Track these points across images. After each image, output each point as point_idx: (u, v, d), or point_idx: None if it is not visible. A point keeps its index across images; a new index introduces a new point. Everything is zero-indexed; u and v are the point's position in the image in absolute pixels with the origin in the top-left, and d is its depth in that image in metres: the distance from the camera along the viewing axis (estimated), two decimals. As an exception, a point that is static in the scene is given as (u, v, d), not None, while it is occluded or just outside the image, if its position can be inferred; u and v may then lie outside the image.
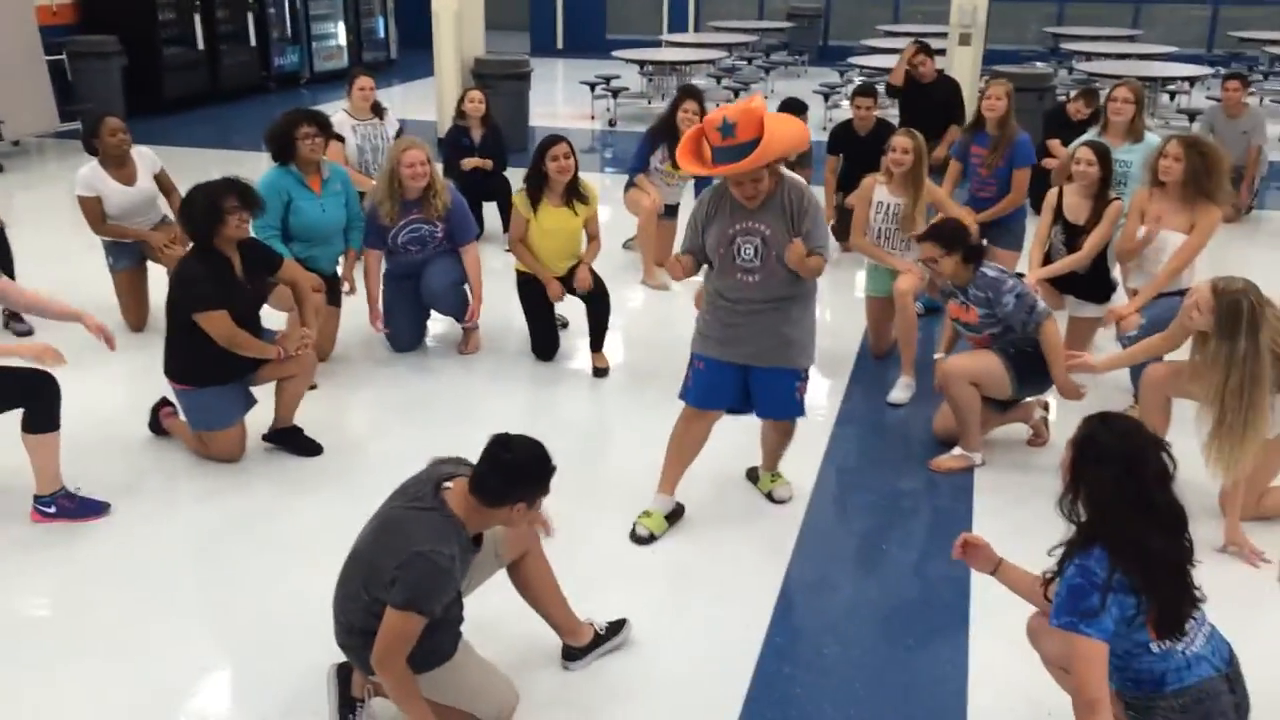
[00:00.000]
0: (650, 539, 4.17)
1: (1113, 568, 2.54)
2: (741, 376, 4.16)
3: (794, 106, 7.15)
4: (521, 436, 2.93)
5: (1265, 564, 4.04)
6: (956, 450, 4.76)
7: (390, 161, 5.47)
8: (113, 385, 5.35)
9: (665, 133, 6.84)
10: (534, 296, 5.77)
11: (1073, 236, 5.50)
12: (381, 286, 5.78)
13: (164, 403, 4.86)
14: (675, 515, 4.28)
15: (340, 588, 2.98)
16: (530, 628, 3.43)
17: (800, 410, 4.28)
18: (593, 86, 13.24)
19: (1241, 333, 3.79)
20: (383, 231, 5.54)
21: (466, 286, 5.79)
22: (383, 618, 2.78)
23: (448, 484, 2.92)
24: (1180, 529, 2.62)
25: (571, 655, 3.44)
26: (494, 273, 6.31)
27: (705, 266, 4.14)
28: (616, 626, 3.54)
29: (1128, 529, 2.55)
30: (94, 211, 5.80)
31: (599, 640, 3.47)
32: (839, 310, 6.75)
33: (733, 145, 3.68)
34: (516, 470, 2.86)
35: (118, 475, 4.55)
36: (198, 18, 13.06)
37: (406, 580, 2.74)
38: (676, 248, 4.59)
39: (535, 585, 3.36)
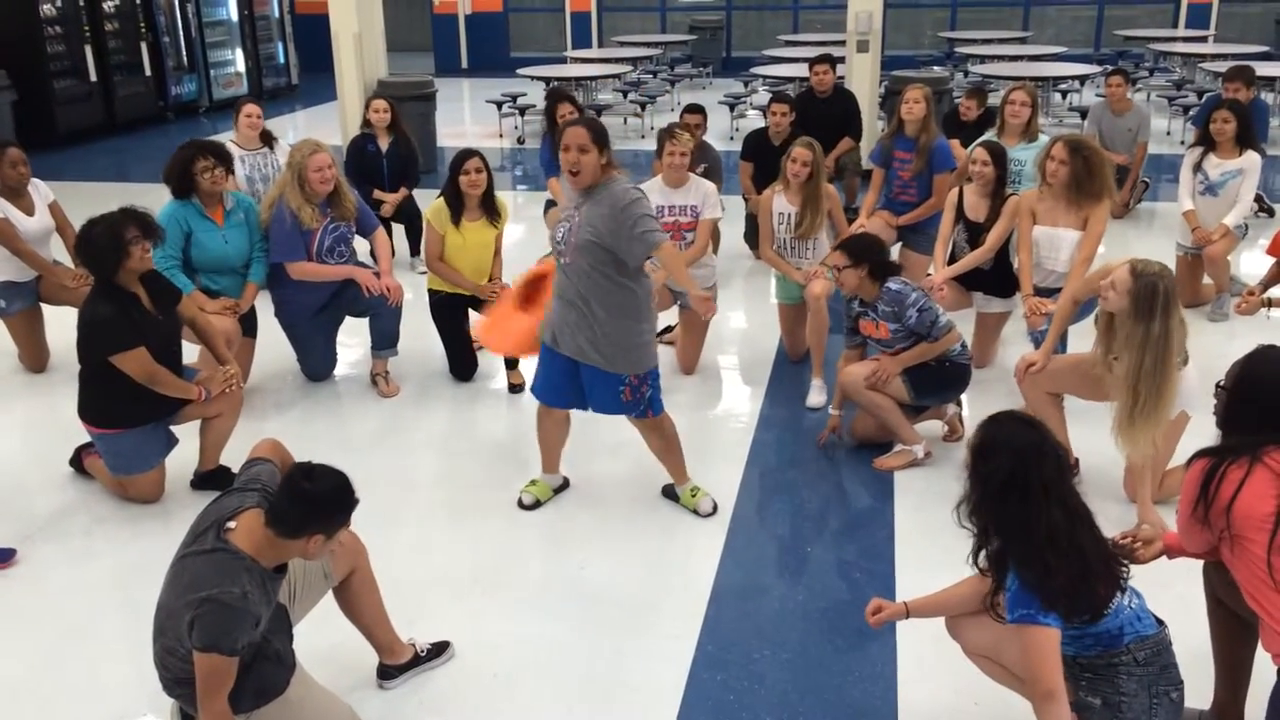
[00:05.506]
0: (536, 505, 4.46)
1: None
2: (573, 370, 4.19)
3: (694, 110, 7.36)
4: (325, 466, 2.84)
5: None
6: (897, 447, 4.85)
7: (295, 167, 5.33)
8: (14, 430, 5.17)
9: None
10: (449, 317, 5.73)
11: (974, 234, 5.65)
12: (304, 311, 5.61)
13: (87, 444, 4.70)
14: (562, 488, 4.59)
15: (156, 642, 2.89)
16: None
17: (634, 409, 4.22)
18: (499, 105, 13.21)
19: (1156, 315, 3.87)
20: (302, 241, 5.39)
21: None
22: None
23: (231, 523, 2.82)
24: (1083, 523, 2.68)
25: (387, 674, 3.44)
26: (407, 297, 6.23)
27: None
28: (440, 648, 3.53)
29: (1026, 535, 2.61)
30: (8, 231, 5.60)
31: (418, 660, 3.47)
32: (755, 317, 6.82)
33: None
34: (315, 501, 2.76)
35: (27, 521, 4.41)
36: (89, 48, 12.75)
37: (202, 625, 2.69)
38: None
39: (360, 602, 3.34)
